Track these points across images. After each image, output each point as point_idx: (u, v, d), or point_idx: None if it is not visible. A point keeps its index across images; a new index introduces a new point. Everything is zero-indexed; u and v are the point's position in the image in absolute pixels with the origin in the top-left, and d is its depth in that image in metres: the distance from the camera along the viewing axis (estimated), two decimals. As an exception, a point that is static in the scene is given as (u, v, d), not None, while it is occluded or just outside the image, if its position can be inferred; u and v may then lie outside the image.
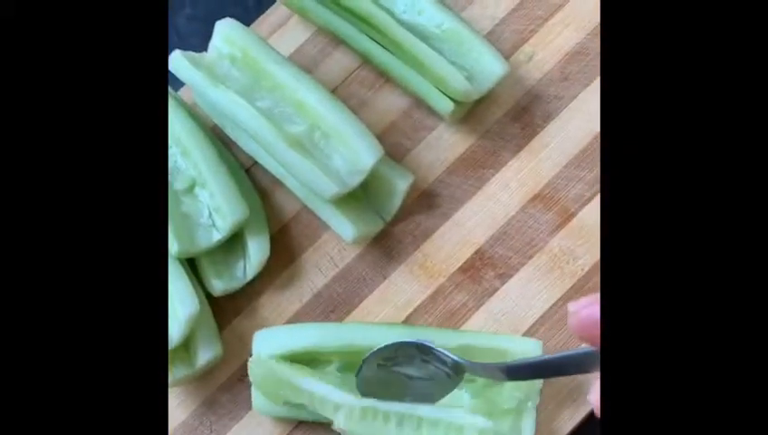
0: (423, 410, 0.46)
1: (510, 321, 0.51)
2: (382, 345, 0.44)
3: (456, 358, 0.42)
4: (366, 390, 0.45)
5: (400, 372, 0.45)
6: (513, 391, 0.46)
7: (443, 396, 0.44)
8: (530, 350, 0.47)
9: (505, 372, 0.40)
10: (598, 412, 0.31)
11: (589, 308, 0.33)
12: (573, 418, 0.48)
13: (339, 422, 0.46)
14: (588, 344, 0.36)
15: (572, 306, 0.34)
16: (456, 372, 0.43)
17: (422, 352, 0.43)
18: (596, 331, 0.32)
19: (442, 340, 0.47)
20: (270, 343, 0.49)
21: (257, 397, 0.49)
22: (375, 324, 0.50)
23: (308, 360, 0.49)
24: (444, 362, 0.43)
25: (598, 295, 0.33)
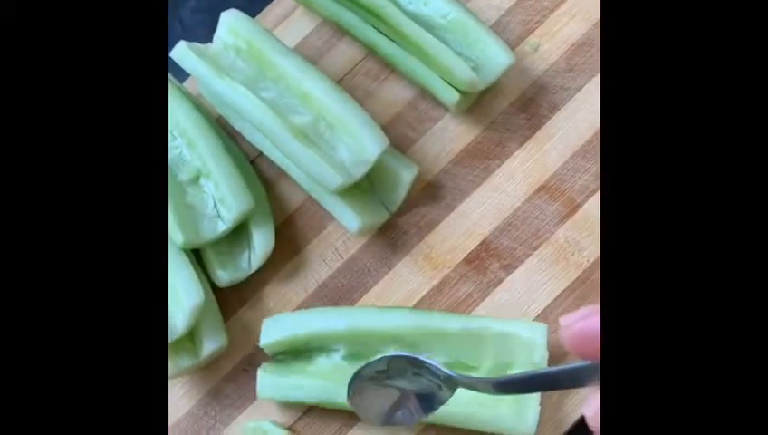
0: None
1: (515, 312, 0.51)
2: (374, 359, 0.43)
3: (448, 371, 0.41)
4: (358, 403, 0.44)
5: (393, 385, 0.44)
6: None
7: (435, 409, 0.44)
8: (535, 334, 0.47)
9: (496, 386, 0.39)
10: (591, 426, 0.31)
11: (582, 322, 0.32)
12: (577, 410, 0.48)
13: None
14: (582, 359, 0.34)
15: (564, 320, 0.33)
16: (447, 386, 0.42)
17: (414, 365, 0.43)
18: (589, 345, 0.31)
19: (448, 324, 0.48)
20: (278, 329, 0.49)
21: (262, 387, 0.49)
22: (382, 309, 0.50)
23: (315, 347, 0.49)
24: (436, 376, 0.42)
25: (591, 309, 0.32)
